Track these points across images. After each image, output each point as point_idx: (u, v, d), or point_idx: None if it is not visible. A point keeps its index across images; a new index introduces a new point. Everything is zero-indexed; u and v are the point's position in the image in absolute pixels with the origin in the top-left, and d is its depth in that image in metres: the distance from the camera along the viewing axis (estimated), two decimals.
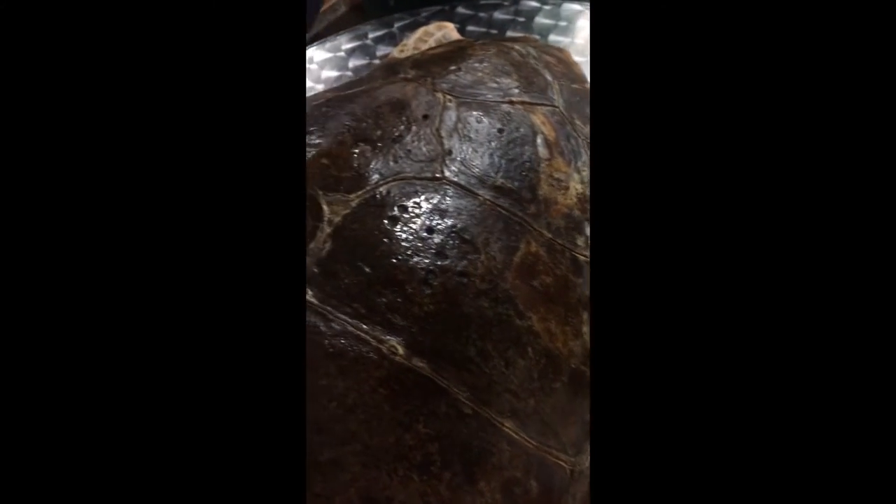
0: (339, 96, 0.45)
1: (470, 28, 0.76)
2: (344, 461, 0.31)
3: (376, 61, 0.75)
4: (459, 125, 0.42)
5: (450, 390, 0.34)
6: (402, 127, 0.41)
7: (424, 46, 0.71)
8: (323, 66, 0.77)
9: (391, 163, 0.39)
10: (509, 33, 0.73)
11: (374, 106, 0.42)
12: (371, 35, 0.79)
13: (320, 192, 0.37)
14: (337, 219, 0.37)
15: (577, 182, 0.43)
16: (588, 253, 0.41)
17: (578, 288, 0.39)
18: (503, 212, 0.40)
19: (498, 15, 0.76)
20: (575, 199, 0.43)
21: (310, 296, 0.34)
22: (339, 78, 0.76)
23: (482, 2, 0.77)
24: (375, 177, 0.38)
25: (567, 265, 0.40)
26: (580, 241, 0.42)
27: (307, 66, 0.78)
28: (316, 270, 0.35)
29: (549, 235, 0.40)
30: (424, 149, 0.41)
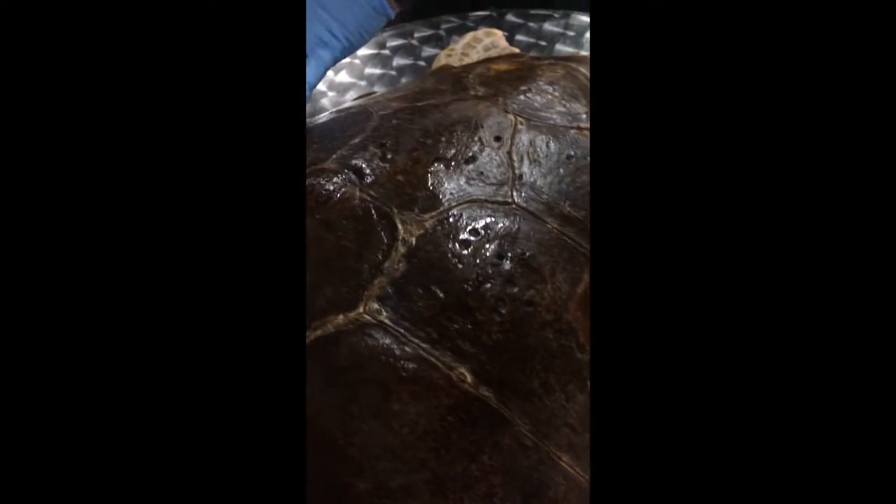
0: (407, 108, 0.45)
1: (519, 37, 0.75)
2: (414, 488, 0.31)
3: (421, 62, 0.74)
4: (530, 149, 0.42)
5: (514, 422, 0.34)
6: (476, 147, 0.41)
7: (473, 53, 0.70)
8: (366, 62, 0.76)
9: (464, 184, 0.39)
10: (558, 47, 0.73)
11: (447, 123, 0.42)
12: (417, 35, 0.78)
13: (395, 210, 0.37)
14: (412, 239, 0.36)
15: None
16: None
17: None
18: (569, 241, 0.40)
19: (548, 27, 0.75)
20: None
21: (384, 316, 0.34)
22: (382, 76, 0.75)
23: (532, 11, 0.77)
24: (449, 198, 0.38)
25: None
26: None
27: (352, 60, 0.77)
28: (390, 290, 0.35)
29: None
30: (496, 171, 0.40)
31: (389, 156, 0.40)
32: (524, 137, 0.43)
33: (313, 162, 0.40)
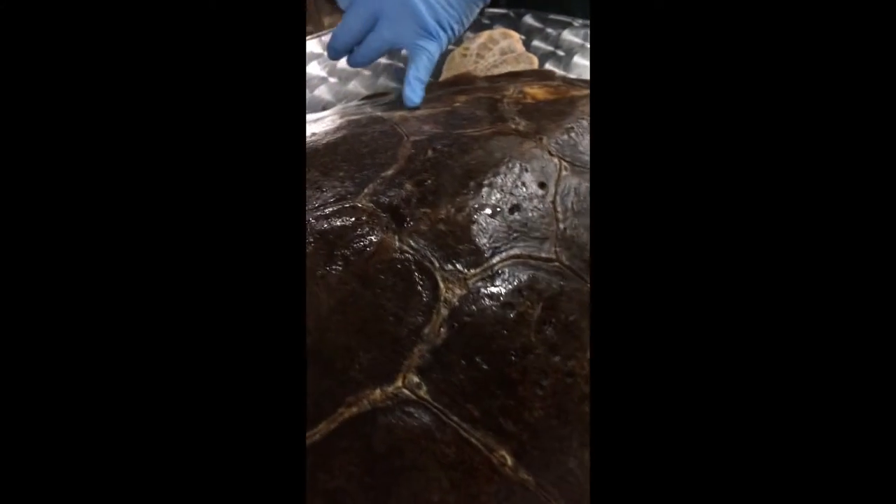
0: (442, 136, 0.41)
1: (536, 43, 0.71)
2: None
3: None
4: (574, 199, 0.39)
5: None
6: (520, 194, 0.38)
7: (489, 55, 0.66)
8: None
9: (508, 236, 0.36)
10: (577, 59, 0.69)
11: (492, 164, 0.38)
12: None
13: (437, 265, 0.34)
14: (454, 300, 0.33)
15: None
16: None
17: None
18: None
19: (567, 35, 0.71)
20: None
21: (423, 391, 0.31)
22: (388, 67, 0.70)
23: (552, 16, 0.73)
24: (492, 252, 0.35)
25: None
26: None
27: None
28: (430, 359, 0.31)
29: None
30: (540, 223, 0.37)
31: (430, 198, 0.36)
32: (568, 184, 0.39)
33: (342, 195, 0.36)
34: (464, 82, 0.54)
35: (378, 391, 0.30)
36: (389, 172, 0.38)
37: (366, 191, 0.37)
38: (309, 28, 0.86)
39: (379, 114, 0.46)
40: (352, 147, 0.40)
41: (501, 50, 0.67)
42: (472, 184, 0.37)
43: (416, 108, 0.47)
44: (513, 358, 0.33)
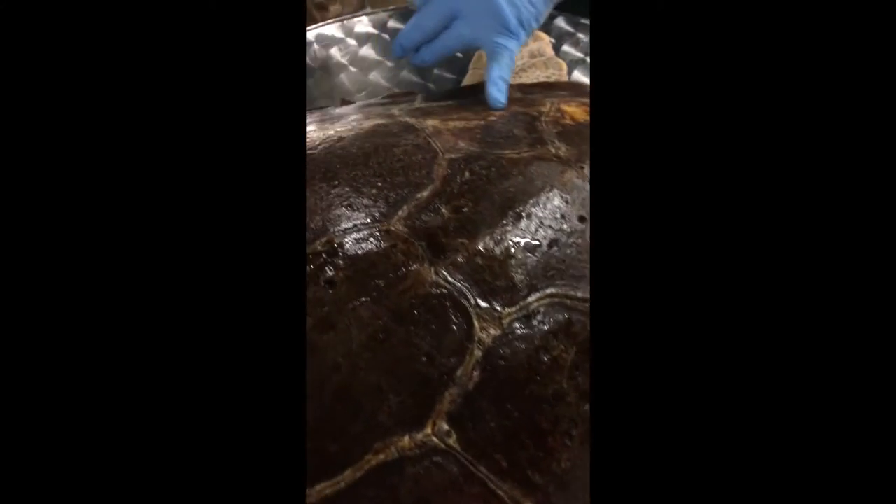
0: (479, 156, 0.39)
1: (565, 49, 0.68)
2: None
3: (458, 54, 0.66)
4: None
5: None
6: (561, 228, 0.36)
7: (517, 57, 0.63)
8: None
9: (545, 273, 0.34)
10: None
11: (532, 192, 0.36)
12: None
13: (473, 302, 0.32)
14: (488, 340, 0.31)
15: None
16: None
17: None
18: None
19: None
20: None
21: (453, 439, 0.29)
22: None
23: (584, 21, 0.70)
24: (528, 290, 0.33)
25: None
26: None
27: (381, 34, 0.68)
28: (461, 405, 0.30)
29: None
30: (578, 260, 0.36)
31: (469, 227, 0.34)
32: None
33: (375, 217, 0.34)
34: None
35: (407, 438, 0.28)
36: (425, 194, 0.36)
37: (400, 213, 0.34)
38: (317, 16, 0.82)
39: (409, 121, 0.44)
40: (384, 160, 0.38)
41: (531, 52, 0.65)
42: (511, 213, 0.35)
43: (498, 107, 0.46)
44: (545, 406, 0.31)
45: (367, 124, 0.44)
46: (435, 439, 0.29)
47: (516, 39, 0.48)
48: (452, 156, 0.39)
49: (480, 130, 0.42)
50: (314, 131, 0.43)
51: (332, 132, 0.42)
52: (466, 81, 0.62)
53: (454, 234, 0.34)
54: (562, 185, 0.38)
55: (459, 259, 0.33)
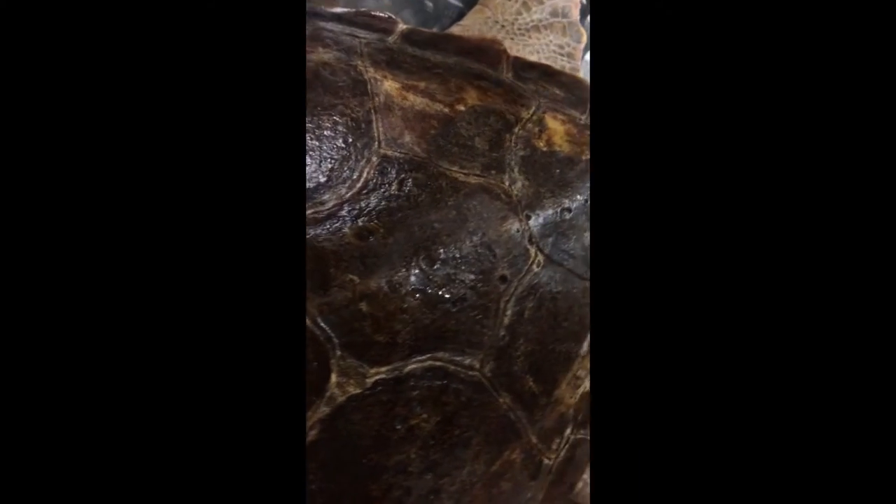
0: (421, 164, 0.32)
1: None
2: None
3: None
4: (533, 304, 0.33)
5: None
6: (476, 285, 0.31)
7: (537, 9, 0.54)
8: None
9: (438, 334, 0.30)
10: None
11: (460, 237, 0.31)
12: None
13: (338, 353, 0.28)
14: (341, 398, 0.28)
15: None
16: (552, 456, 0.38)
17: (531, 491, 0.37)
18: (511, 417, 0.34)
19: None
20: (578, 399, 0.38)
21: None
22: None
23: None
24: (410, 352, 0.29)
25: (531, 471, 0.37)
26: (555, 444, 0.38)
27: None
28: None
29: (535, 440, 0.36)
30: (481, 326, 0.31)
31: (368, 263, 0.29)
32: (534, 283, 0.33)
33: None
34: (487, 58, 0.43)
35: None
36: (331, 199, 0.30)
37: (331, 198, 0.29)
38: None
39: (364, 73, 0.36)
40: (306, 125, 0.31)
41: (553, 10, 0.55)
42: (424, 256, 0.30)
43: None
44: (383, 475, 0.29)
45: (313, 58, 0.36)
46: None
47: None
48: (389, 153, 0.32)
49: (439, 125, 0.35)
50: None
51: None
52: (468, 20, 0.52)
53: (346, 265, 0.29)
54: (496, 234, 0.32)
55: (341, 297, 0.28)
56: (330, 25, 0.41)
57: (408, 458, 0.30)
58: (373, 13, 0.48)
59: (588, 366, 0.37)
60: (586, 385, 0.38)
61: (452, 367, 0.31)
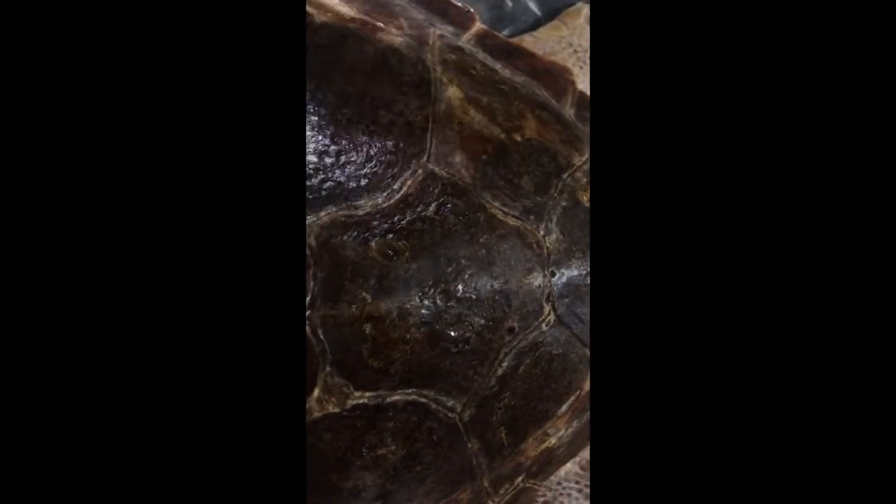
0: (463, 191, 0.30)
1: None
2: None
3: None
4: (530, 361, 0.32)
5: None
6: (483, 333, 0.30)
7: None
8: None
9: (432, 373, 0.29)
10: None
11: (481, 281, 0.29)
12: None
13: (327, 369, 0.26)
14: (317, 414, 0.26)
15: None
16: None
17: None
18: (474, 463, 0.33)
19: None
20: (539, 452, 0.38)
21: None
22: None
23: None
24: (399, 383, 0.28)
25: None
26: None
27: None
28: None
29: (487, 485, 0.35)
30: (475, 372, 0.30)
31: (384, 283, 0.27)
32: (539, 341, 0.32)
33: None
34: (554, 86, 0.41)
35: None
36: (367, 206, 0.28)
37: (322, 213, 0.27)
38: None
39: (430, 72, 0.34)
40: (362, 111, 0.29)
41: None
42: (441, 289, 0.29)
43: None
44: (333, 497, 0.28)
45: (383, 37, 0.33)
46: None
47: None
48: (436, 170, 0.30)
49: (492, 151, 0.33)
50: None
51: (346, 11, 0.31)
52: (542, 32, 0.50)
53: (362, 281, 0.27)
54: (517, 285, 0.31)
55: (347, 312, 0.27)
56: (404, 2, 0.39)
57: (363, 484, 0.29)
58: (452, 1, 0.45)
59: (560, 424, 0.36)
60: (551, 440, 0.37)
61: (434, 406, 0.30)
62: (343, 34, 0.31)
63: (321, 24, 0.31)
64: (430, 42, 0.36)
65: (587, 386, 0.36)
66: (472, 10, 0.42)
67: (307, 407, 0.26)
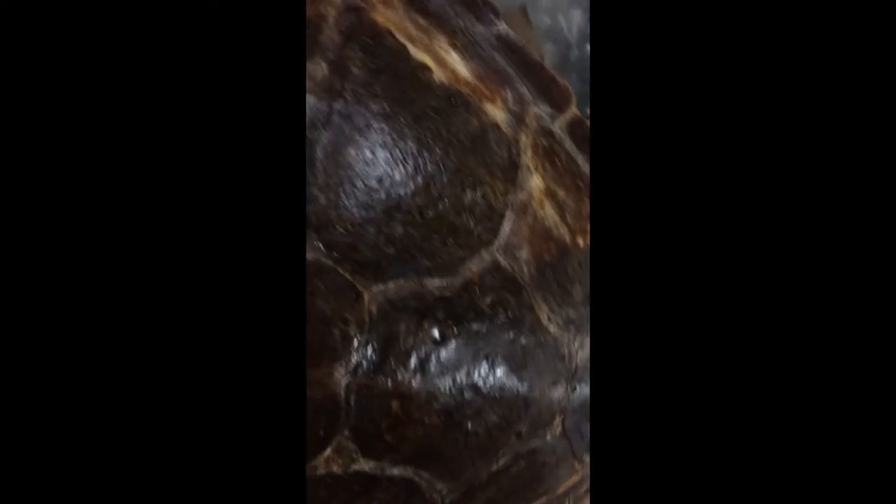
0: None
1: None
2: None
3: None
4: (523, 465, 0.33)
5: None
6: (497, 433, 0.30)
7: None
8: None
9: (435, 457, 0.29)
10: None
11: (509, 378, 0.30)
12: None
13: (346, 433, 0.26)
14: (320, 471, 0.26)
15: None
16: None
17: None
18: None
19: None
20: None
21: None
22: None
23: None
24: (403, 458, 0.28)
25: None
26: None
27: None
28: None
29: None
30: (473, 468, 0.31)
31: (427, 364, 0.27)
32: (546, 446, 0.33)
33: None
34: None
35: None
36: (443, 281, 0.28)
37: (388, 283, 0.27)
38: None
39: (523, 144, 0.34)
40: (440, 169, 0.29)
41: None
42: (470, 382, 0.29)
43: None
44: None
45: (489, 111, 0.33)
46: None
47: None
48: (502, 262, 0.30)
49: (556, 253, 0.33)
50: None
51: (464, 73, 0.31)
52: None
53: (405, 358, 0.27)
54: (539, 394, 0.31)
55: (380, 387, 0.26)
56: (514, 72, 0.38)
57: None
58: (556, 77, 0.45)
59: None
60: None
61: (425, 486, 0.30)
62: (454, 99, 0.31)
63: (440, 85, 0.30)
64: (528, 122, 0.36)
65: (561, 488, 0.37)
66: (570, 88, 0.42)
67: (314, 463, 0.26)
